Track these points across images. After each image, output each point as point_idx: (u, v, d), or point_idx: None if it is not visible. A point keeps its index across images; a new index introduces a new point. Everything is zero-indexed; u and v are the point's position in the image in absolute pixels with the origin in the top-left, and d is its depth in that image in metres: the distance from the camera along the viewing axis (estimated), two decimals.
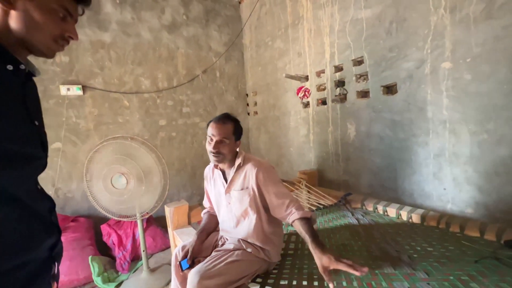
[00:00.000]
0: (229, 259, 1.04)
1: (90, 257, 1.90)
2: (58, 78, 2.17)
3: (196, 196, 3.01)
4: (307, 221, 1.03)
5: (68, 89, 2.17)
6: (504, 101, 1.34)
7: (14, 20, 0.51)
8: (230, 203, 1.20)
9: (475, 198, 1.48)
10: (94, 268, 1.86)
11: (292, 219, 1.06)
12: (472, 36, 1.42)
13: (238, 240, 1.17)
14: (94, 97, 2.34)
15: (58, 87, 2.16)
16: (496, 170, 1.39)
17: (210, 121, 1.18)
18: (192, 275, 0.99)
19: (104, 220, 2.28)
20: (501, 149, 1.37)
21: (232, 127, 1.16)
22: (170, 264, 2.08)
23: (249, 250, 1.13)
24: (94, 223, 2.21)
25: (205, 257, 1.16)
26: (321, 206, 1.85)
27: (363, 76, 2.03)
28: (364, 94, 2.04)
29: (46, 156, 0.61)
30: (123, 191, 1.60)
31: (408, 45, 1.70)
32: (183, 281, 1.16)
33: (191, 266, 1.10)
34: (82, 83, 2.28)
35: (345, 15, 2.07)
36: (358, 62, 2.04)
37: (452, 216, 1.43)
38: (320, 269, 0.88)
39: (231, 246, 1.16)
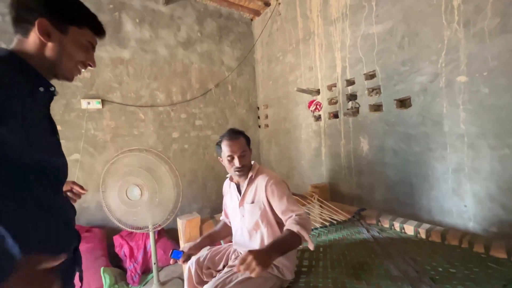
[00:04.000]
0: (242, 277, 1.03)
1: (102, 269, 1.91)
2: (80, 92, 2.29)
3: (206, 208, 3.01)
4: (291, 233, 0.97)
5: (89, 103, 2.27)
6: None
7: (49, 50, 0.60)
8: (244, 215, 1.20)
9: (499, 216, 1.40)
10: (106, 279, 1.86)
11: (286, 227, 1.03)
12: (488, 50, 1.40)
13: None
14: (112, 110, 2.43)
15: (80, 101, 2.27)
16: None
17: (222, 141, 1.20)
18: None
19: (116, 231, 2.31)
20: None
21: (244, 140, 1.19)
22: (180, 278, 2.06)
23: None
24: (107, 234, 2.24)
25: (218, 271, 1.14)
26: (335, 222, 1.80)
27: (375, 90, 2.02)
28: (376, 107, 2.03)
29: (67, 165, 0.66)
30: (137, 203, 1.63)
31: (421, 59, 1.69)
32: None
33: (184, 261, 1.19)
34: (102, 97, 2.38)
35: (356, 31, 2.10)
36: (370, 76, 2.05)
37: (475, 235, 1.36)
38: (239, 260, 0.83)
39: None
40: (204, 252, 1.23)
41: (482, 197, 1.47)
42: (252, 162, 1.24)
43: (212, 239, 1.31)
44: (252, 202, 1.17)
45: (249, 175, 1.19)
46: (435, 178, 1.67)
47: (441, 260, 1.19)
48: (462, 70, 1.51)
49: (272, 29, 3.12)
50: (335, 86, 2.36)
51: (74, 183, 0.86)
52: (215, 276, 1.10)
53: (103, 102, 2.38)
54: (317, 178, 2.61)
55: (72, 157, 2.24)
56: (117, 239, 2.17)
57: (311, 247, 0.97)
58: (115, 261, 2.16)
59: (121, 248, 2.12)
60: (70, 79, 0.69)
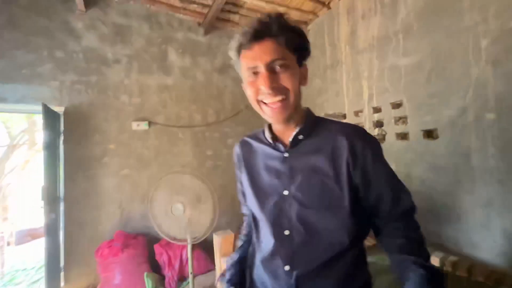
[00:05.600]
0: None
1: (145, 273, 2.16)
2: (131, 115, 2.64)
3: (234, 222, 3.19)
4: None
5: (138, 125, 2.61)
6: None
7: None
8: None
9: None
10: (148, 284, 2.10)
11: None
12: None
13: None
14: (156, 131, 2.75)
15: (131, 123, 2.62)
16: None
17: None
18: None
19: (157, 239, 2.57)
20: None
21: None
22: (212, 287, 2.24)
23: None
24: (148, 242, 2.51)
25: None
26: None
27: (402, 119, 2.09)
28: (403, 136, 2.09)
29: None
30: (180, 217, 1.85)
31: (449, 93, 1.75)
32: None
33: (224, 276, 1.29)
34: (149, 119, 2.72)
35: (383, 62, 2.20)
36: (397, 105, 2.12)
37: (504, 273, 1.38)
38: None
39: None
40: None
41: None
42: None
43: None
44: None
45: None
46: (463, 210, 1.69)
47: None
48: (490, 107, 1.55)
49: None
50: (362, 112, 2.45)
51: None
52: None
53: (150, 123, 2.71)
54: None
55: (122, 172, 2.58)
56: (157, 247, 2.42)
57: None
58: (155, 268, 2.41)
59: (161, 256, 2.37)
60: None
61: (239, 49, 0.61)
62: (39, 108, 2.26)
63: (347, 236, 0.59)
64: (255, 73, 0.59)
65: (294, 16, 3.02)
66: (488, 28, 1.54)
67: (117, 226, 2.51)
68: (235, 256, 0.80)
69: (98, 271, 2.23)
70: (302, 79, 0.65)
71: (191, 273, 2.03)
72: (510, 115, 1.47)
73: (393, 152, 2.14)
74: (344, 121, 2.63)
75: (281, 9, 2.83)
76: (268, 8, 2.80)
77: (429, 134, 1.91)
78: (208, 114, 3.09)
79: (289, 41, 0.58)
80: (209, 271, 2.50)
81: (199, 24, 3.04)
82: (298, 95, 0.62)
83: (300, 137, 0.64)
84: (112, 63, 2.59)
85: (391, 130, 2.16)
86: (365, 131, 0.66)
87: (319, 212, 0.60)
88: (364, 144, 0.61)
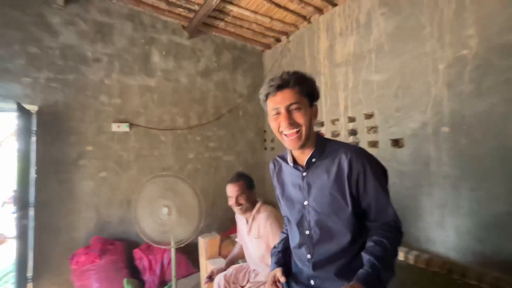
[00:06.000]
0: None
1: (125, 280, 2.11)
2: (111, 116, 2.56)
3: (214, 225, 3.22)
4: None
5: (118, 126, 2.54)
6: (495, 164, 1.59)
7: None
8: (252, 244, 1.46)
9: (474, 248, 1.67)
10: None
11: None
12: (466, 108, 1.71)
13: None
14: (137, 133, 2.70)
15: (110, 125, 2.53)
16: (492, 224, 1.60)
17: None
18: None
19: (135, 244, 2.52)
20: (496, 206, 1.59)
21: (243, 182, 1.49)
22: None
23: None
24: (126, 247, 2.44)
25: (242, 287, 1.38)
26: None
27: (373, 128, 2.32)
28: (374, 143, 2.32)
29: None
30: (165, 222, 1.86)
31: (412, 108, 2.00)
32: None
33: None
34: (129, 121, 2.65)
35: (358, 76, 2.43)
36: (369, 116, 2.35)
37: (454, 264, 1.62)
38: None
39: (262, 279, 1.38)
40: (230, 269, 1.47)
41: (462, 231, 1.73)
42: (259, 203, 1.50)
43: (233, 262, 1.57)
44: (258, 238, 1.43)
45: (253, 212, 1.45)
46: (422, 210, 1.94)
47: (425, 284, 1.44)
48: (445, 122, 1.81)
49: (282, 62, 3.45)
50: (338, 121, 2.66)
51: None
52: None
53: (131, 125, 2.65)
54: None
55: (100, 175, 2.48)
56: (137, 252, 2.37)
57: None
58: (133, 273, 2.36)
59: (141, 260, 2.32)
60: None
61: (267, 96, 0.85)
62: (8, 106, 2.11)
63: (350, 234, 0.82)
64: (278, 113, 0.82)
65: (276, 27, 3.17)
66: (444, 54, 1.81)
67: (93, 231, 2.40)
68: (279, 246, 1.04)
69: (72, 280, 2.13)
70: (313, 116, 0.87)
71: (174, 277, 2.04)
72: (461, 129, 1.73)
73: None
74: (322, 129, 2.82)
75: (265, 20, 2.96)
76: (253, 17, 2.92)
77: (396, 143, 2.15)
78: (190, 118, 3.10)
79: (303, 90, 0.83)
80: (190, 274, 2.51)
81: (184, 27, 3.04)
82: (309, 128, 0.84)
83: (313, 160, 0.86)
84: (92, 62, 2.49)
85: (364, 138, 2.38)
86: (363, 153, 0.85)
87: (329, 216, 0.83)
88: (359, 164, 0.81)
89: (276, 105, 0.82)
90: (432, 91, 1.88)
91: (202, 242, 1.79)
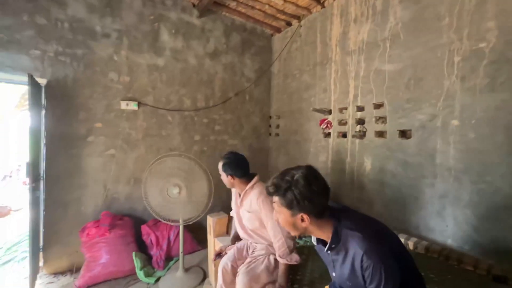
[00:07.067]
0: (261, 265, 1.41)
1: (134, 253, 2.20)
2: (120, 94, 2.54)
3: (218, 206, 3.30)
4: (284, 266, 1.38)
5: (127, 104, 2.53)
6: (499, 159, 1.63)
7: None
8: (243, 218, 1.58)
9: (472, 237, 1.75)
10: (137, 262, 2.15)
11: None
12: (477, 103, 1.73)
13: (267, 247, 1.49)
14: (145, 112, 2.69)
15: (119, 102, 2.53)
16: (490, 216, 1.67)
17: None
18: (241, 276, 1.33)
19: (142, 221, 2.59)
20: (495, 199, 1.65)
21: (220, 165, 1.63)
22: (199, 266, 2.36)
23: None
24: (134, 223, 2.51)
25: (242, 262, 1.48)
26: None
27: (382, 119, 2.34)
28: (381, 134, 2.35)
29: None
30: (175, 200, 1.91)
31: (423, 101, 2.01)
32: (232, 282, 1.45)
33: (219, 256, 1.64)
34: (137, 99, 2.64)
35: (370, 65, 2.41)
36: (378, 106, 2.36)
37: (452, 250, 1.70)
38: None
39: (262, 252, 1.48)
40: (231, 252, 1.58)
41: (461, 221, 1.81)
42: (255, 178, 1.58)
43: (237, 237, 1.68)
44: (249, 212, 1.51)
45: (248, 187, 1.54)
46: (424, 200, 2.01)
47: (423, 268, 1.52)
48: (455, 116, 1.84)
49: (292, 47, 3.40)
50: (346, 109, 2.67)
51: None
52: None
53: (139, 104, 2.64)
54: None
55: (108, 152, 2.51)
56: (144, 228, 2.45)
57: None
58: (140, 247, 2.45)
59: (148, 236, 2.40)
60: None
61: None
62: (16, 77, 2.09)
63: None
64: None
65: (289, 9, 3.09)
66: (462, 47, 1.80)
67: (100, 207, 2.46)
68: None
69: (82, 251, 2.21)
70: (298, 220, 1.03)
71: (181, 252, 2.13)
72: (470, 124, 1.76)
73: (371, 148, 2.40)
74: (329, 117, 2.83)
75: (278, 1, 2.88)
76: None
77: (403, 134, 2.18)
78: (198, 100, 3.09)
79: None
80: (194, 251, 2.60)
81: (194, 5, 2.96)
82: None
83: (333, 246, 1.01)
84: (101, 37, 2.44)
85: (371, 128, 2.40)
86: (367, 250, 0.93)
87: (347, 285, 1.03)
88: (363, 259, 0.93)
89: None
90: (445, 84, 1.89)
91: (211, 221, 1.86)
